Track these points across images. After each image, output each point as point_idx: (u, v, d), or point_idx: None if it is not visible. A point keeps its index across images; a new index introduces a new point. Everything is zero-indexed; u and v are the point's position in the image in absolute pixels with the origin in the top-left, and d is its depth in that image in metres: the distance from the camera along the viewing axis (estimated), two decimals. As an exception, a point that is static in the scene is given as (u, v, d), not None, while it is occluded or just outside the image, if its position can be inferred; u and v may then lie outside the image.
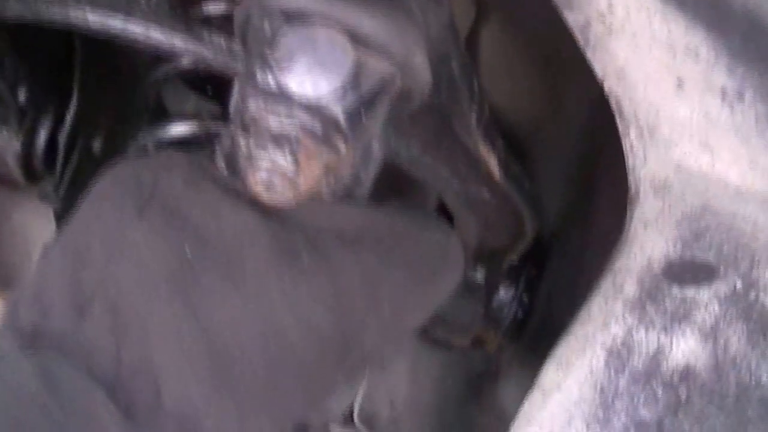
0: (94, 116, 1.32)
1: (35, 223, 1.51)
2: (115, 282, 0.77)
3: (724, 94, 0.80)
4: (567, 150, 1.35)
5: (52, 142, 1.30)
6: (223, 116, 1.13)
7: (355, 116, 0.74)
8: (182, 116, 1.26)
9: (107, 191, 0.82)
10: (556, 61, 0.92)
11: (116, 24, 0.95)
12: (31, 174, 1.31)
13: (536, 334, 1.39)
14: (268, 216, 0.79)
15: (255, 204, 0.79)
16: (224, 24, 0.87)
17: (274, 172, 0.75)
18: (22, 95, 1.25)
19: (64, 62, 1.26)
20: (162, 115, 1.27)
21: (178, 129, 1.20)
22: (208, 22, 0.96)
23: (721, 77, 0.79)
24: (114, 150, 1.33)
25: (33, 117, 1.28)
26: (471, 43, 1.32)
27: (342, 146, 0.75)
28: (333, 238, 0.81)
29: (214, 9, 0.95)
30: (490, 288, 1.36)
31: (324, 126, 0.74)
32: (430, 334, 1.46)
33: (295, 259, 0.78)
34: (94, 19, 0.96)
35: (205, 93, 1.31)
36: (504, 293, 1.39)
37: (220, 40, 0.95)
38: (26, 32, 1.08)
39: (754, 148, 0.81)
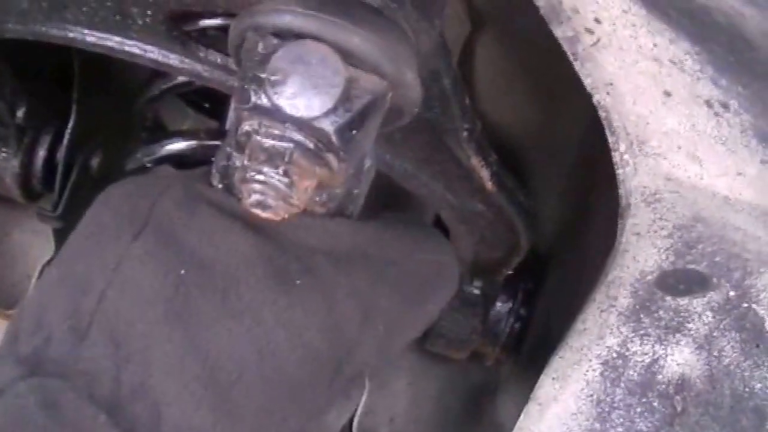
0: (92, 134, 1.32)
1: (35, 241, 1.51)
2: (114, 308, 0.77)
3: (709, 105, 0.80)
4: (564, 163, 1.35)
5: (50, 160, 1.30)
6: (220, 133, 1.13)
7: (346, 133, 0.75)
8: (179, 133, 1.27)
9: (103, 216, 0.83)
10: (552, 74, 0.93)
11: (113, 44, 0.97)
12: (30, 193, 1.32)
13: (534, 348, 1.39)
14: (262, 237, 0.80)
15: (248, 225, 0.80)
16: (220, 39, 0.88)
17: (268, 190, 0.75)
18: (20, 114, 1.26)
19: (61, 81, 1.27)
20: (160, 131, 1.28)
21: (175, 146, 1.21)
22: (204, 37, 0.97)
23: (706, 89, 0.80)
24: (112, 168, 1.34)
25: (31, 136, 1.29)
26: (466, 56, 1.32)
27: (334, 163, 0.76)
28: (326, 258, 0.81)
29: (210, 23, 0.96)
30: (487, 301, 1.36)
31: (316, 144, 0.75)
32: (428, 349, 1.46)
33: (289, 282, 0.79)
34: (91, 39, 0.97)
35: (203, 109, 1.32)
36: (501, 306, 1.39)
37: (215, 57, 0.96)
38: (24, 52, 1.09)
39: (741, 159, 0.81)
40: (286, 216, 0.77)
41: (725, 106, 0.80)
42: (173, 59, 0.96)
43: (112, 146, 1.36)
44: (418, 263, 0.88)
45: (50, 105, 1.29)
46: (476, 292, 1.34)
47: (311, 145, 0.75)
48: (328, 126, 0.74)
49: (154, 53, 0.96)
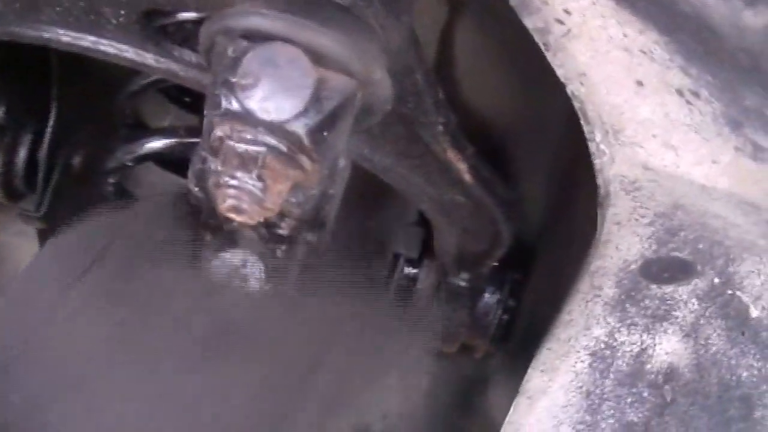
0: (73, 133, 1.32)
1: (19, 243, 1.51)
2: (45, 343, 0.77)
3: (681, 94, 0.80)
4: (548, 151, 1.35)
5: (32, 160, 1.30)
6: (201, 129, 1.14)
7: (318, 135, 0.75)
8: (159, 131, 1.27)
9: (57, 251, 0.83)
10: (534, 59, 0.92)
11: (87, 44, 0.96)
12: (12, 193, 1.31)
13: (523, 339, 1.39)
14: (214, 296, 0.80)
15: (203, 275, 0.80)
16: (195, 35, 0.88)
17: (242, 194, 0.76)
18: (0, 114, 1.26)
19: (41, 80, 1.26)
20: (140, 129, 1.28)
21: (155, 144, 1.21)
22: (180, 32, 0.97)
23: (677, 77, 0.80)
24: (94, 166, 1.34)
25: (12, 136, 1.28)
26: (445, 42, 1.32)
27: (308, 165, 0.76)
28: (267, 330, 0.81)
29: (185, 16, 0.96)
30: (475, 293, 1.36)
31: (289, 146, 0.75)
32: (417, 340, 1.46)
33: (226, 348, 0.79)
34: (66, 39, 0.97)
35: (184, 104, 1.32)
36: (489, 298, 1.39)
37: (190, 56, 0.96)
38: (2, 52, 1.08)
39: (714, 146, 0.81)
40: (261, 219, 0.77)
41: (696, 95, 0.80)
42: (148, 58, 0.96)
43: (92, 144, 1.35)
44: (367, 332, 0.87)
45: (30, 104, 1.29)
46: (463, 284, 1.34)
47: (284, 148, 0.75)
48: (299, 128, 0.75)
49: (129, 52, 0.96)
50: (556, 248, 1.37)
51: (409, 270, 1.40)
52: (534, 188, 1.42)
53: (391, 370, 1.55)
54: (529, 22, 0.81)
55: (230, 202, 0.76)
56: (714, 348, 0.87)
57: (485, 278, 1.36)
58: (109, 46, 0.96)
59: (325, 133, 0.76)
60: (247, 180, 0.75)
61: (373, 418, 1.54)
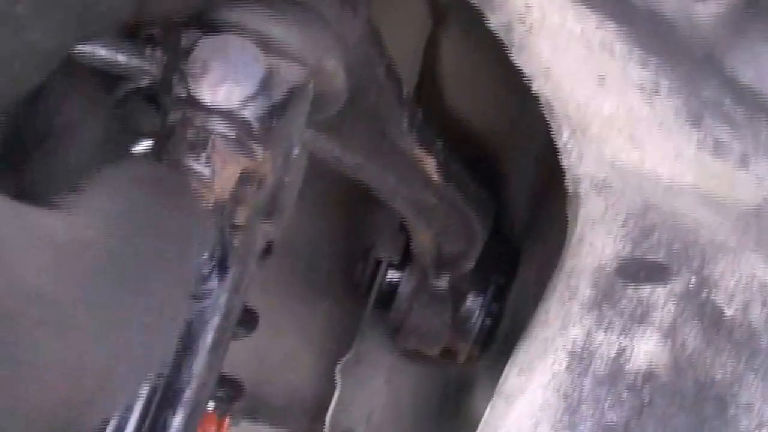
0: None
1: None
2: None
3: (642, 88, 0.80)
4: (531, 155, 1.36)
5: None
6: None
7: (267, 121, 0.76)
8: (142, 134, 1.27)
9: None
10: (515, 68, 0.93)
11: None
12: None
13: (506, 343, 1.39)
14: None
15: None
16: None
17: (192, 177, 0.76)
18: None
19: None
20: (126, 133, 1.28)
21: (141, 149, 1.21)
22: (156, 36, 0.98)
23: (636, 71, 0.80)
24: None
25: None
26: (431, 50, 1.33)
27: (258, 151, 0.77)
28: None
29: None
30: (457, 297, 1.37)
31: (238, 131, 0.76)
32: (401, 345, 1.47)
33: None
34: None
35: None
36: (472, 302, 1.39)
37: (162, 56, 0.97)
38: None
39: (678, 141, 0.81)
40: (212, 202, 0.77)
41: (657, 89, 0.80)
42: (120, 59, 0.97)
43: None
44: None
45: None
46: (444, 287, 1.35)
47: (233, 133, 0.76)
48: (248, 114, 0.76)
49: (102, 53, 0.97)
50: (538, 252, 1.37)
51: (391, 275, 1.41)
52: (517, 193, 1.42)
53: (377, 371, 1.56)
54: (493, 20, 0.81)
55: None
56: (690, 348, 0.87)
57: (467, 282, 1.37)
58: (84, 48, 0.97)
59: (274, 120, 0.77)
60: (195, 164, 0.76)
61: (358, 420, 1.55)
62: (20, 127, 1.06)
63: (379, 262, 1.41)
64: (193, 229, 0.74)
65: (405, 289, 1.39)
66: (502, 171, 1.41)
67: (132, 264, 0.65)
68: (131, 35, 0.97)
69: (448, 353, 1.45)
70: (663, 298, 0.88)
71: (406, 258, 1.39)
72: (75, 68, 1.04)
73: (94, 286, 0.60)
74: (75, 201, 0.68)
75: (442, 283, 1.34)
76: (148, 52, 0.96)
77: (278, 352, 1.56)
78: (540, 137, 1.25)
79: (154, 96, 1.27)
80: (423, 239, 1.21)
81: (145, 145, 1.22)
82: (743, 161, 0.81)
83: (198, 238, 0.76)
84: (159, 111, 1.33)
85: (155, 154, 0.81)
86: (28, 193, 1.03)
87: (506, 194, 1.41)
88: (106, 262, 0.63)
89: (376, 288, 1.41)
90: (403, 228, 1.33)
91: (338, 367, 1.49)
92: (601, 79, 0.80)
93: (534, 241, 1.40)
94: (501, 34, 0.81)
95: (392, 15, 1.17)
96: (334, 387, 1.49)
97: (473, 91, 1.38)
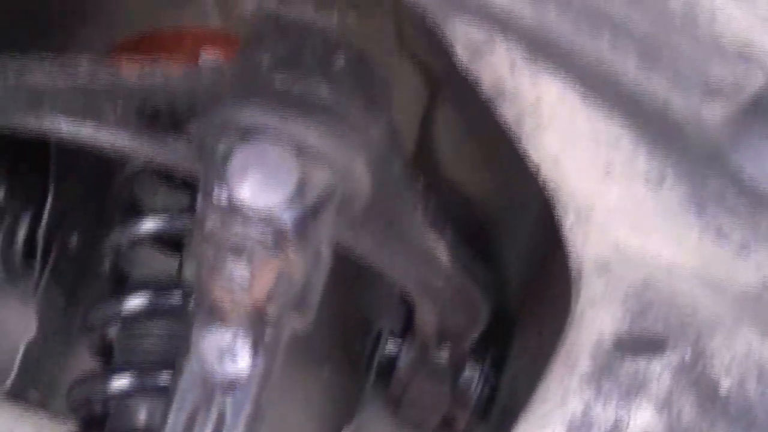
0: (70, 213, 1.35)
1: (17, 321, 1.52)
2: None
3: (647, 179, 0.84)
4: (526, 230, 1.38)
5: (30, 240, 1.33)
6: (192, 207, 1.17)
7: (301, 225, 0.81)
8: (153, 211, 1.30)
9: None
10: (511, 144, 0.96)
11: (86, 135, 1.00)
12: (11, 273, 1.34)
13: (503, 413, 1.40)
14: None
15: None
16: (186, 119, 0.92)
17: (232, 280, 0.80)
18: (0, 196, 1.29)
19: (39, 162, 1.29)
20: (135, 209, 1.31)
21: (149, 225, 1.24)
22: (173, 116, 1.01)
23: (642, 163, 0.84)
24: (90, 246, 1.37)
25: (12, 217, 1.31)
26: (425, 126, 1.36)
27: (292, 254, 0.81)
28: None
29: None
30: (456, 368, 1.38)
31: (275, 236, 0.80)
32: (401, 418, 1.48)
33: None
34: (67, 130, 1.01)
35: (174, 183, 1.35)
36: (470, 372, 1.41)
37: (184, 145, 1.00)
38: (2, 139, 1.12)
39: (681, 228, 0.85)
40: (249, 303, 0.81)
41: (662, 179, 0.84)
42: (144, 148, 1.00)
43: (89, 225, 1.39)
44: None
45: (28, 186, 1.32)
46: (443, 360, 1.36)
47: (270, 238, 0.80)
48: (285, 219, 0.80)
49: (125, 142, 1.00)
50: (534, 324, 1.39)
51: (392, 347, 1.42)
52: (513, 264, 1.44)
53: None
54: (504, 111, 0.85)
55: (221, 287, 0.81)
56: (686, 420, 0.90)
57: (466, 353, 1.38)
58: (107, 137, 1.00)
59: (308, 224, 0.81)
60: (236, 267, 0.80)
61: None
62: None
63: (380, 334, 1.42)
64: None
65: (405, 362, 1.40)
66: (497, 244, 1.43)
67: None
68: (150, 123, 1.00)
69: (446, 423, 1.46)
70: (659, 370, 0.90)
71: (406, 330, 1.40)
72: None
73: None
74: None
75: (443, 355, 1.35)
76: (171, 142, 0.99)
77: (279, 423, 1.55)
78: (534, 212, 1.28)
79: (161, 172, 1.30)
80: (427, 317, 1.23)
81: (151, 225, 1.25)
82: (743, 249, 0.84)
83: None
84: (169, 184, 1.36)
85: (193, 256, 0.84)
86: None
87: (501, 267, 1.43)
88: None
89: (376, 360, 1.42)
90: (405, 300, 1.34)
91: (341, 437, 1.48)
92: (608, 170, 0.84)
93: (529, 314, 1.42)
94: (511, 125, 0.85)
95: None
96: (335, 458, 1.49)
97: (469, 162, 1.40)
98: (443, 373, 1.38)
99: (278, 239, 0.80)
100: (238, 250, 0.80)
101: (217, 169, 0.81)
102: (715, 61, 0.77)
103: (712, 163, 0.83)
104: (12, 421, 1.46)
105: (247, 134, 0.81)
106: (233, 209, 0.79)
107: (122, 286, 1.32)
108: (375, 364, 1.42)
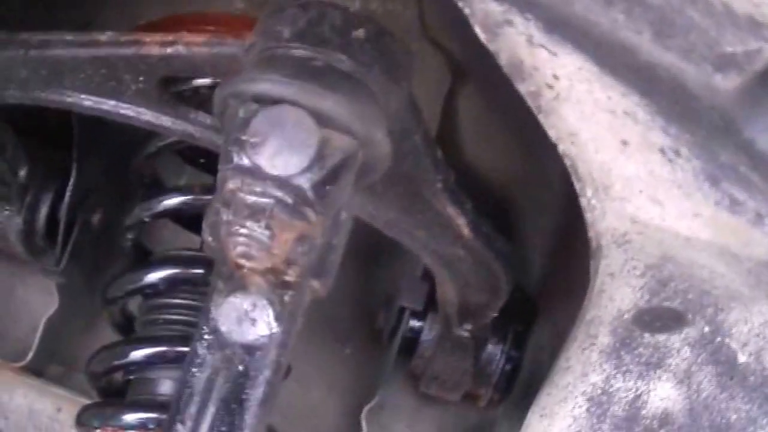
0: (92, 192, 1.37)
1: (38, 297, 1.53)
2: None
3: (663, 152, 0.84)
4: (548, 206, 1.39)
5: (52, 217, 1.34)
6: (214, 187, 1.18)
7: (321, 189, 0.81)
8: (174, 189, 1.31)
9: None
10: (534, 121, 0.97)
11: (108, 108, 1.01)
12: (33, 249, 1.35)
13: (526, 388, 1.41)
14: None
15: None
16: (210, 99, 0.93)
17: (252, 242, 0.81)
18: (22, 174, 1.30)
19: (62, 140, 1.31)
20: (156, 187, 1.32)
21: (171, 201, 1.25)
22: (195, 96, 1.02)
23: (658, 137, 0.84)
24: (112, 223, 1.38)
25: (34, 194, 1.32)
26: (450, 107, 1.37)
27: (312, 216, 0.82)
28: None
29: (200, 83, 1.02)
30: (478, 344, 1.39)
31: (294, 199, 0.81)
32: (423, 391, 1.49)
33: None
34: (88, 103, 1.02)
35: (199, 165, 1.36)
36: (492, 348, 1.41)
37: (205, 119, 1.01)
38: (25, 114, 1.13)
39: (696, 201, 0.85)
40: (269, 265, 0.81)
41: (677, 153, 0.84)
42: (165, 121, 1.01)
43: (111, 203, 1.40)
44: None
45: (51, 164, 1.33)
46: (466, 335, 1.37)
47: (290, 201, 0.81)
48: (304, 182, 0.81)
49: (147, 115, 1.01)
50: (555, 300, 1.40)
51: (414, 323, 1.43)
52: (534, 243, 1.45)
53: (399, 416, 1.57)
54: (522, 87, 0.86)
55: (240, 249, 0.82)
56: (705, 393, 0.91)
57: (488, 329, 1.39)
58: (128, 110, 1.01)
59: (327, 188, 0.82)
60: (256, 229, 0.81)
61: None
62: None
63: (402, 310, 1.43)
64: None
65: (428, 337, 1.41)
66: (519, 222, 1.43)
67: None
68: (172, 97, 1.01)
69: (470, 398, 1.47)
70: (678, 345, 0.91)
71: (429, 306, 1.41)
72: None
73: None
74: None
75: (465, 331, 1.36)
76: (192, 115, 1.00)
77: (303, 399, 1.57)
78: (555, 188, 1.29)
79: (183, 151, 1.32)
80: (448, 290, 1.23)
81: (174, 200, 1.26)
82: (758, 219, 0.85)
83: None
84: (190, 165, 1.38)
85: (212, 216, 0.85)
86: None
87: (523, 244, 1.44)
88: None
89: (399, 336, 1.43)
90: (427, 276, 1.36)
91: (364, 412, 1.49)
92: (625, 144, 0.85)
93: (550, 290, 1.43)
94: (529, 100, 0.85)
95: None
96: (359, 432, 1.51)
97: (491, 144, 1.41)
98: (465, 349, 1.39)
99: (298, 202, 0.81)
100: (257, 213, 0.81)
101: (238, 133, 0.82)
102: (729, 32, 0.78)
103: (725, 135, 0.83)
104: (32, 396, 1.48)
105: (267, 101, 0.82)
106: (253, 172, 0.80)
107: (144, 260, 1.34)
108: (398, 340, 1.43)
